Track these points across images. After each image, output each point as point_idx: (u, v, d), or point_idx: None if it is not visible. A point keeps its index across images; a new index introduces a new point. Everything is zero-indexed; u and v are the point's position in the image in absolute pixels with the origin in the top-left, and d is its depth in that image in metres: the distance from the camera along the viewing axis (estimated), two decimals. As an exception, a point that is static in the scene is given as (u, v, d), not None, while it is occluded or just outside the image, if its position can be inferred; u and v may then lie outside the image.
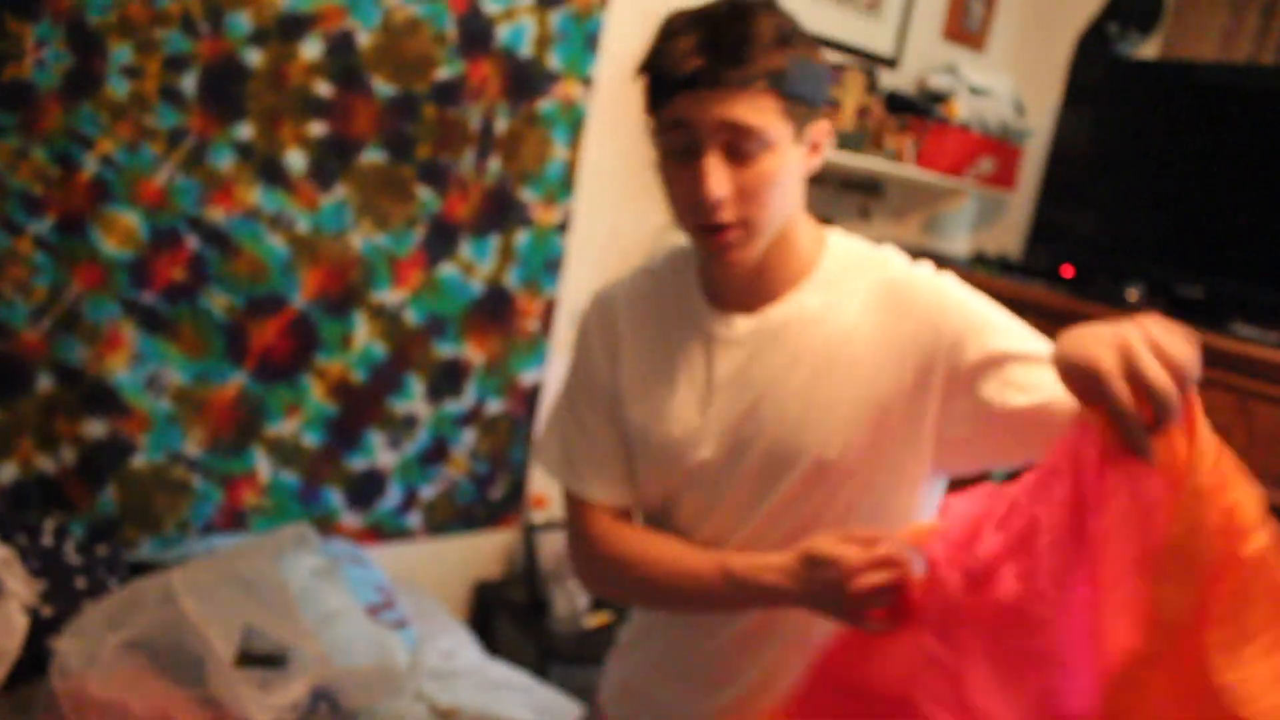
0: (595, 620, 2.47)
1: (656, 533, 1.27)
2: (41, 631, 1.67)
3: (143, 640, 1.32)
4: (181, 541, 2.00)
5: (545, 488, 2.58)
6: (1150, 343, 0.85)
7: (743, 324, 1.19)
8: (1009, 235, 3.28)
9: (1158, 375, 0.83)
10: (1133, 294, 2.59)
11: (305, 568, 1.48)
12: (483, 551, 2.57)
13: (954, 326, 1.15)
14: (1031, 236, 3.01)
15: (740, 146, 1.10)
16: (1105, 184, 2.85)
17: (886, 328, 1.15)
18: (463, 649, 1.99)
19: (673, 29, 1.10)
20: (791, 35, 1.10)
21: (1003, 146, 3.11)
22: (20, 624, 1.65)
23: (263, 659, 1.34)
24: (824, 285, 1.19)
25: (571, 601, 2.43)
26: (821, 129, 1.16)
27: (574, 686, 2.15)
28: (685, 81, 1.08)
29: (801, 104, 1.11)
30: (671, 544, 1.24)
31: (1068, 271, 2.80)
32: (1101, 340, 0.88)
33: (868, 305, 1.17)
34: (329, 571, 1.53)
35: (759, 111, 1.09)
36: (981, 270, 2.97)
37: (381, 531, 2.34)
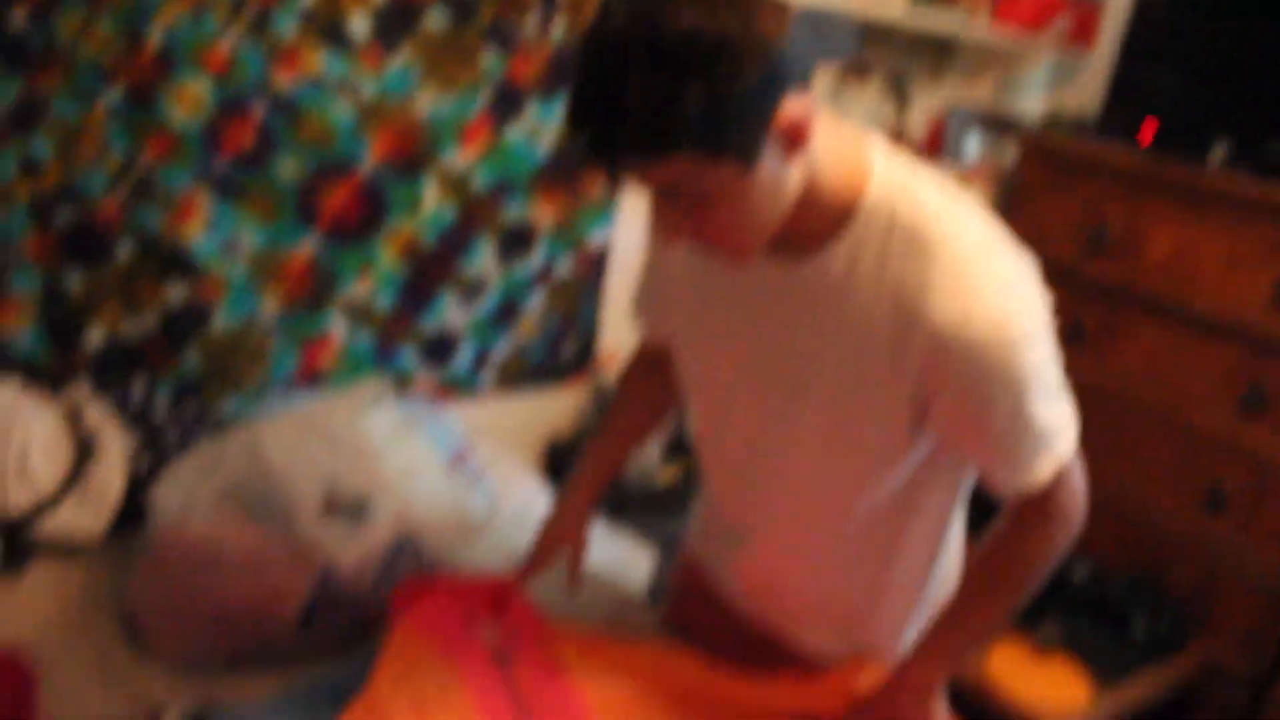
0: (666, 476, 2.52)
1: (625, 405, 1.58)
2: (138, 484, 1.76)
3: (232, 489, 1.38)
4: (262, 400, 2.07)
5: (615, 346, 2.60)
6: None
7: (772, 271, 1.18)
8: (1086, 96, 3.16)
9: None
10: (1218, 153, 2.49)
11: (384, 422, 1.53)
12: (554, 410, 2.61)
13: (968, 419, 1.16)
14: (1110, 97, 2.89)
15: (680, 201, 1.01)
16: (1190, 39, 2.71)
17: (898, 342, 1.13)
18: (538, 501, 2.04)
19: (570, 98, 0.98)
20: (686, 73, 0.90)
21: (1081, 2, 2.98)
22: (117, 476, 1.74)
23: (347, 508, 1.40)
24: (852, 248, 1.13)
25: (641, 457, 2.47)
26: (789, 115, 0.99)
27: (648, 538, 2.21)
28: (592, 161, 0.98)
29: (731, 141, 0.96)
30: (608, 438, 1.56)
31: (1149, 132, 2.69)
32: None
33: (893, 299, 1.12)
34: (407, 426, 1.58)
35: (677, 173, 0.97)
36: (1057, 132, 2.88)
37: (454, 390, 2.40)
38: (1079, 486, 1.24)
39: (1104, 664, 2.13)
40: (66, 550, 1.74)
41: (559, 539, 1.54)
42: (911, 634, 1.41)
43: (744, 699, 1.38)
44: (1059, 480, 1.20)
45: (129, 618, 1.54)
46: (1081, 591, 2.31)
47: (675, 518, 2.37)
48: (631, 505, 2.41)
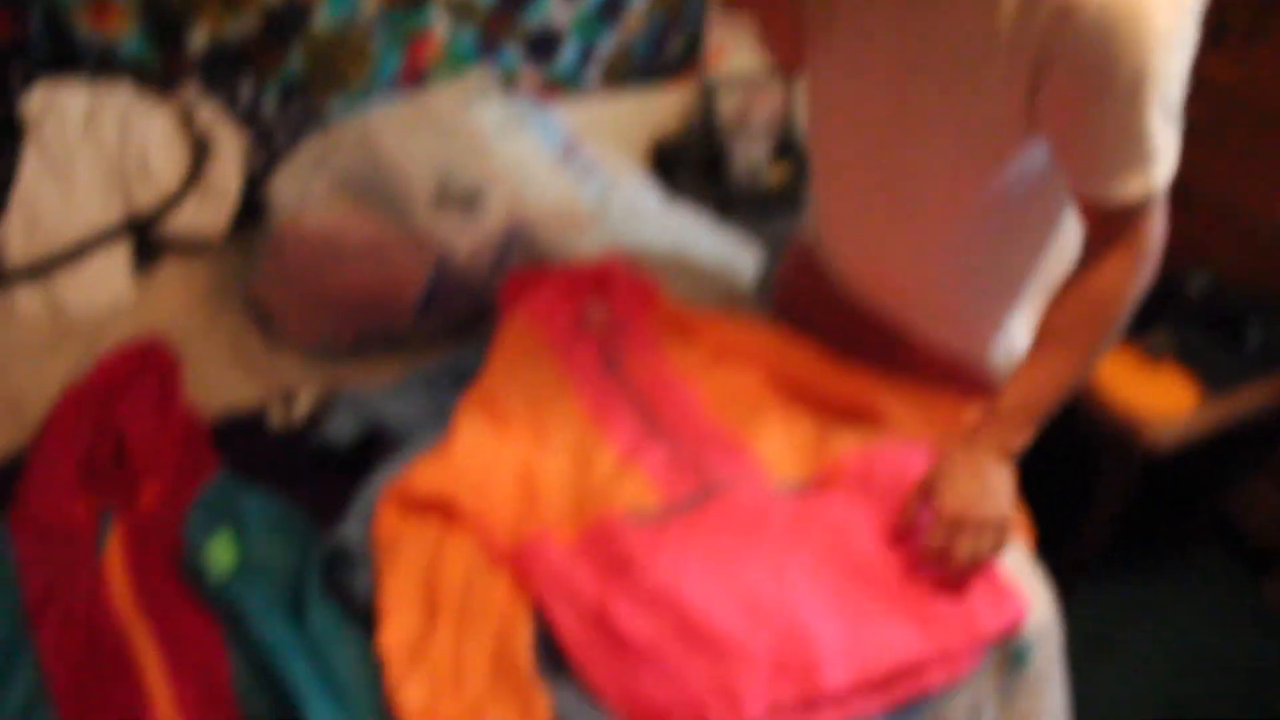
0: (774, 175, 2.47)
1: None
2: (254, 181, 1.79)
3: (347, 181, 1.39)
4: (367, 98, 2.06)
5: (724, 40, 2.50)
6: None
7: None
8: None
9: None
10: None
11: (492, 115, 1.51)
12: (661, 107, 2.55)
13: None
14: None
15: None
16: None
17: (1025, 6, 1.06)
18: (646, 196, 2.03)
19: None
20: None
21: None
22: (234, 173, 1.77)
23: (459, 198, 1.40)
24: None
25: (750, 156, 2.42)
26: None
27: (754, 237, 2.20)
28: None
29: None
30: None
31: None
32: (950, 514, 1.16)
33: None
34: (515, 120, 1.56)
35: None
36: None
37: (560, 88, 2.35)
38: (1161, 229, 1.17)
39: (1214, 374, 2.10)
40: (193, 247, 1.80)
41: None
42: (1013, 333, 1.40)
43: (856, 399, 1.39)
44: (1143, 211, 1.14)
45: (257, 307, 1.61)
46: (1197, 302, 2.25)
47: (783, 217, 2.35)
48: (739, 204, 2.39)
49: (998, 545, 1.17)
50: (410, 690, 1.01)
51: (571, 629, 1.07)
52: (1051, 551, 1.41)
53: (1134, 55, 1.03)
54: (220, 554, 1.14)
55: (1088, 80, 1.06)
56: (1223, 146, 2.31)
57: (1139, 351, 2.14)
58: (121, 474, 1.28)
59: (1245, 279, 2.34)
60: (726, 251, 1.91)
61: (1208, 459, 2.38)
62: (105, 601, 1.10)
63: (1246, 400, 2.10)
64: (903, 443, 1.31)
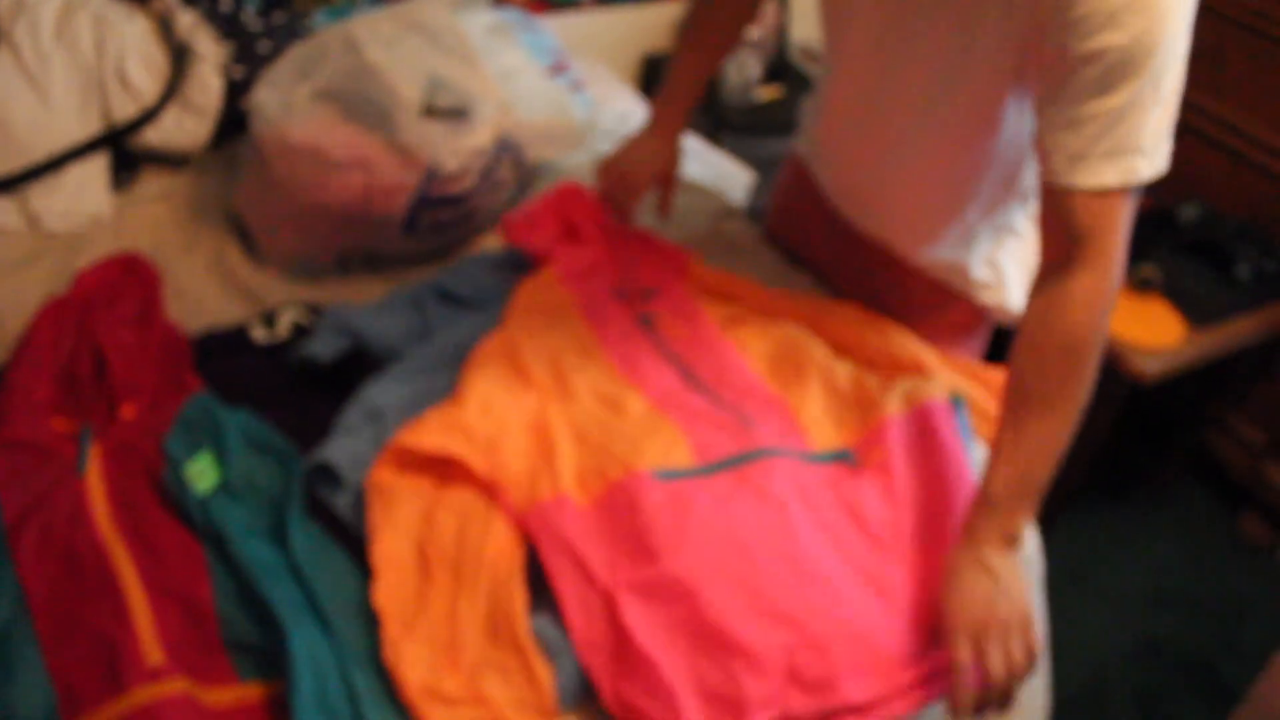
0: (767, 94, 2.44)
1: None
2: (235, 92, 1.74)
3: (332, 90, 1.35)
4: (351, 11, 2.01)
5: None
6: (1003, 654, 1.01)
7: None
8: None
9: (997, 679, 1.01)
10: None
11: (481, 24, 1.47)
12: (652, 22, 2.51)
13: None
14: None
15: None
16: None
17: None
18: (636, 112, 2.00)
19: None
20: None
21: None
22: (216, 83, 1.72)
23: (448, 108, 1.37)
24: None
25: (743, 72, 2.39)
26: None
27: (746, 157, 2.17)
28: None
29: None
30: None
31: None
32: (968, 624, 1.02)
33: None
34: (504, 31, 1.51)
35: None
36: None
37: (552, 1, 2.30)
38: (1125, 237, 1.08)
39: (1201, 306, 2.09)
40: (173, 160, 1.76)
41: (650, 167, 1.53)
42: (996, 251, 1.41)
43: (898, 355, 1.38)
44: (1111, 218, 1.06)
45: (239, 222, 1.58)
46: (1187, 232, 2.24)
47: (775, 138, 2.33)
48: (730, 124, 2.36)
49: (1029, 649, 1.04)
50: (409, 659, 0.99)
51: (577, 613, 1.04)
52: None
53: (1136, 32, 0.97)
54: (201, 474, 1.13)
55: (1080, 48, 1.00)
56: (1220, 73, 2.28)
57: (1126, 281, 2.13)
58: (101, 391, 1.26)
59: (1237, 210, 2.33)
60: (718, 170, 1.89)
61: (1188, 390, 2.39)
62: (85, 520, 1.08)
63: (1233, 334, 2.11)
64: (943, 405, 1.27)
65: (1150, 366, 1.99)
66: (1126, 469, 2.56)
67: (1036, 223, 1.16)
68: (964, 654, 1.01)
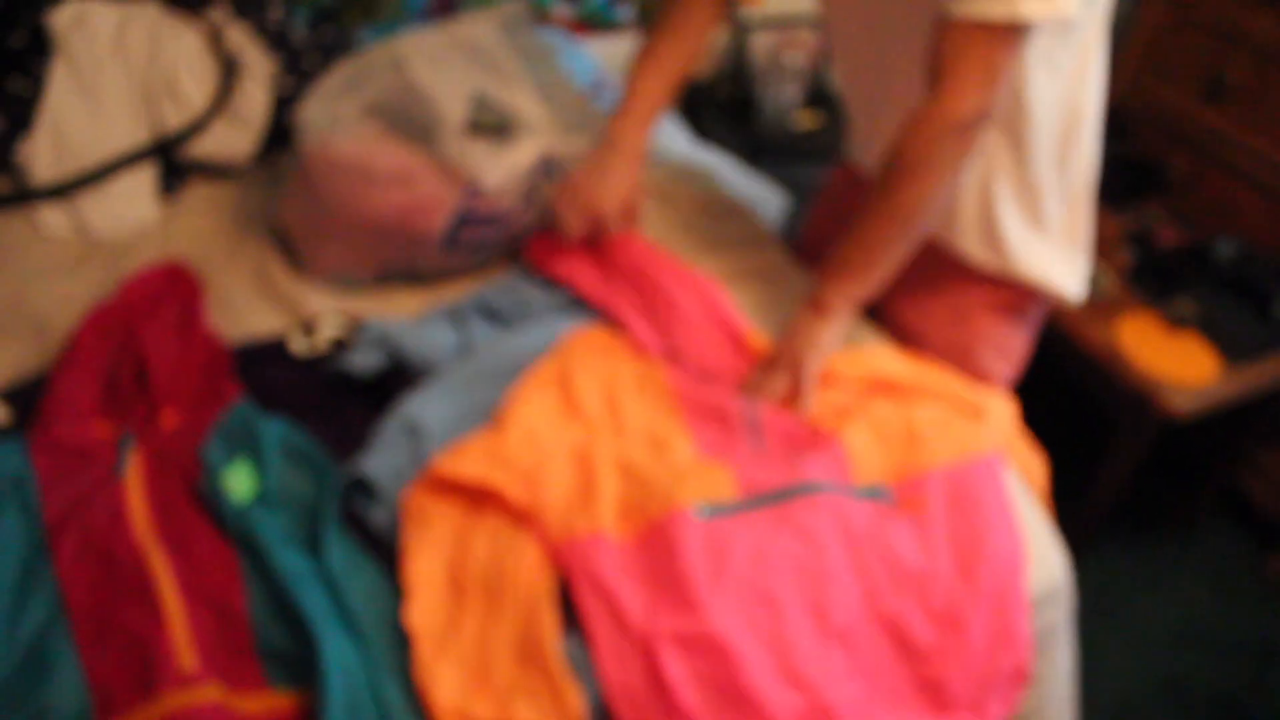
0: (805, 121, 2.44)
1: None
2: (283, 106, 1.77)
3: (377, 106, 1.37)
4: (398, 28, 2.03)
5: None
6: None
7: None
8: None
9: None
10: None
11: (524, 45, 1.48)
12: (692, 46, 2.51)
13: None
14: None
15: None
16: None
17: None
18: (675, 136, 2.01)
19: None
20: None
21: None
22: (263, 97, 1.75)
23: (490, 126, 1.38)
24: None
25: (780, 100, 2.39)
26: None
27: (784, 184, 2.18)
28: None
29: None
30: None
31: None
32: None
33: None
34: (546, 52, 1.53)
35: None
36: None
37: (592, 23, 2.32)
38: (989, 77, 1.16)
39: (1237, 343, 2.08)
40: (220, 171, 1.79)
41: (618, 194, 1.48)
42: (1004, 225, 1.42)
43: (955, 397, 1.36)
44: (976, 51, 1.14)
45: (282, 234, 1.60)
46: (1223, 269, 2.22)
47: (811, 165, 2.33)
48: (767, 150, 2.36)
49: (794, 387, 1.32)
50: (441, 681, 0.99)
51: (610, 659, 1.03)
52: (1060, 513, 1.41)
53: None
54: (238, 482, 1.14)
55: None
56: (1258, 108, 2.27)
57: (1162, 316, 2.12)
58: (142, 398, 1.29)
59: (1275, 246, 2.31)
60: (753, 193, 1.90)
61: (1220, 429, 2.37)
62: (124, 525, 1.10)
63: (1268, 372, 2.09)
64: (990, 461, 1.26)
65: (1184, 403, 1.98)
66: (1155, 505, 2.54)
67: (1071, 207, 1.32)
68: (754, 376, 1.34)
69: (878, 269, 1.32)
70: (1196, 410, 2.01)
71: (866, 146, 1.53)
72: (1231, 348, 2.07)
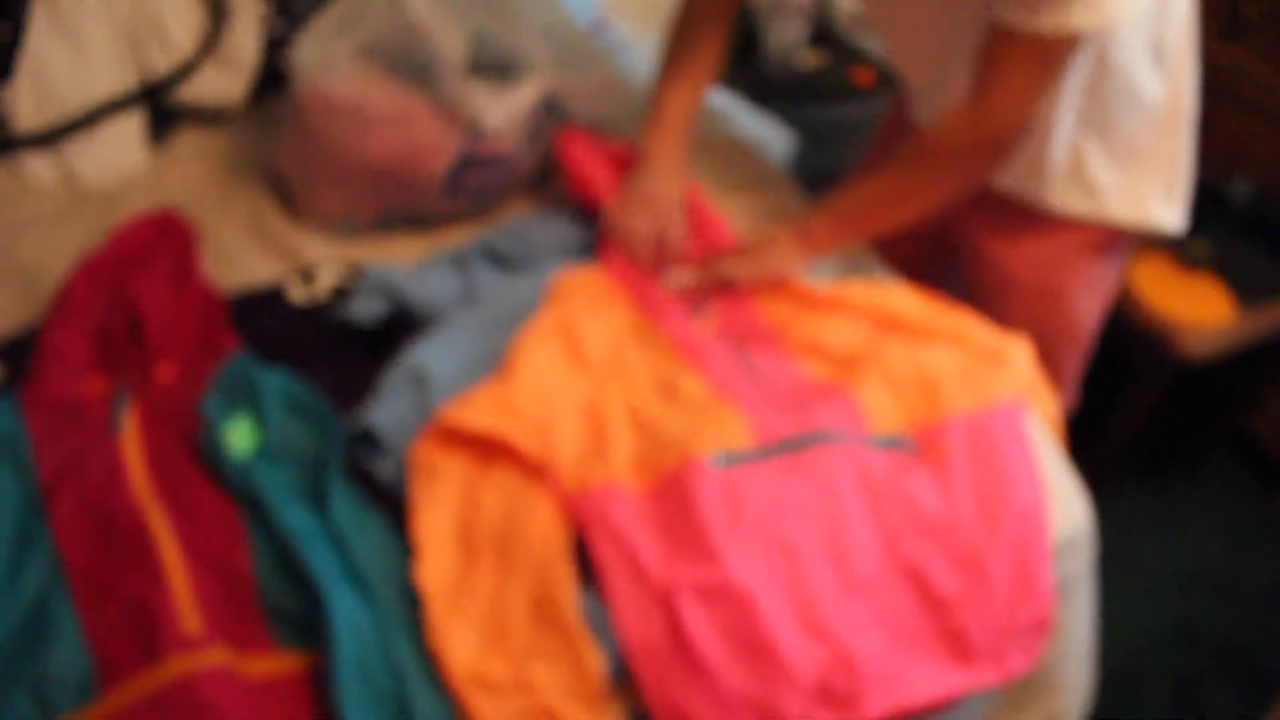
0: (809, 60, 2.39)
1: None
2: (274, 48, 1.72)
3: (374, 46, 1.33)
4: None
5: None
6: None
7: None
8: None
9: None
10: None
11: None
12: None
13: None
14: None
15: None
16: None
17: None
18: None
19: None
20: None
21: None
22: (254, 39, 1.69)
23: (491, 66, 1.34)
24: None
25: (784, 38, 2.34)
26: None
27: (790, 124, 2.13)
28: None
29: None
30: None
31: None
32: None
33: None
34: (544, -11, 1.49)
35: None
36: None
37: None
38: (1028, 88, 1.15)
39: (1252, 284, 2.05)
40: (210, 116, 1.74)
41: (679, 218, 1.43)
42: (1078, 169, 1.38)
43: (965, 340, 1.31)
44: (1016, 60, 1.12)
45: (278, 179, 1.56)
46: (1239, 210, 2.18)
47: (816, 105, 2.29)
48: (772, 89, 2.31)
49: (726, 279, 1.36)
50: (456, 643, 0.96)
51: (629, 612, 1.01)
52: (1074, 457, 1.39)
53: None
54: (239, 437, 1.11)
55: None
56: (1274, 45, 2.21)
57: (1176, 258, 2.09)
58: (137, 351, 1.25)
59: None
60: (758, 132, 1.85)
61: (1229, 371, 2.35)
62: (121, 484, 1.07)
63: (1282, 313, 2.06)
64: (1011, 407, 1.22)
65: (1199, 346, 1.95)
66: (1165, 448, 2.52)
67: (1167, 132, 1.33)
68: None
69: (869, 229, 1.38)
70: (1212, 353, 1.98)
71: (930, 108, 1.46)
72: (1246, 289, 2.04)
